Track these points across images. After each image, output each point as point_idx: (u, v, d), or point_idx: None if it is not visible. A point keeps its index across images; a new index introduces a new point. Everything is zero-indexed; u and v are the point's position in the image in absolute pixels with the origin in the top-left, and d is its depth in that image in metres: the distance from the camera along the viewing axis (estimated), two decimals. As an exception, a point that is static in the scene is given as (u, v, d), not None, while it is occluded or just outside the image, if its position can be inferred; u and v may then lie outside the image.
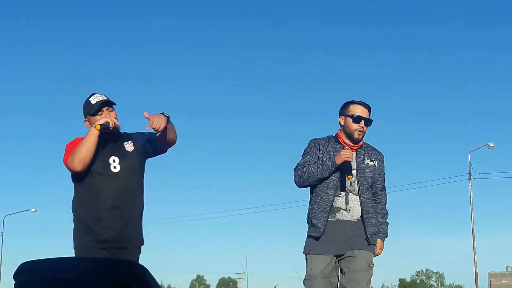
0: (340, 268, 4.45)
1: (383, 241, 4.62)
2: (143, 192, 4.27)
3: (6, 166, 58.03)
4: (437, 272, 75.33)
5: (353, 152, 4.50)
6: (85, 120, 4.16)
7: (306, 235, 4.57)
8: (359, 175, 4.48)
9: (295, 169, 4.57)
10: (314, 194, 4.52)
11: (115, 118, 4.08)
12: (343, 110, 4.56)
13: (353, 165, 4.47)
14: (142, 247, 4.25)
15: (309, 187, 4.59)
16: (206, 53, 60.39)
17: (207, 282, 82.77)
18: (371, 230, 4.47)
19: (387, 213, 4.71)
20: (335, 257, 4.43)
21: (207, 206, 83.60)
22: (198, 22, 60.35)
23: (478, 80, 54.37)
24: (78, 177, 4.10)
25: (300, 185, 4.55)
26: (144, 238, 4.26)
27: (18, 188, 65.27)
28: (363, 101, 4.56)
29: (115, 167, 4.11)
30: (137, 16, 61.14)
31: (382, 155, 4.67)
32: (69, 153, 4.04)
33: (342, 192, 4.45)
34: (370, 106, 4.53)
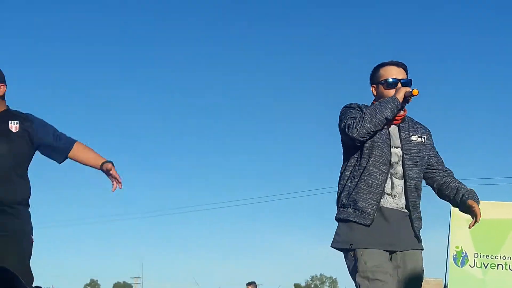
0: None
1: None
2: (26, 178, 3.92)
3: None
4: (331, 277, 77.51)
5: (394, 126, 3.67)
6: None
7: (340, 223, 3.64)
8: (405, 156, 3.60)
9: (344, 129, 3.54)
10: (358, 168, 3.60)
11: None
12: (373, 77, 3.73)
13: (397, 142, 3.64)
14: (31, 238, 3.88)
15: (347, 162, 3.68)
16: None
17: (101, 287, 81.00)
18: (418, 226, 3.65)
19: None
20: (388, 253, 3.55)
21: (98, 209, 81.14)
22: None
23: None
24: None
25: (370, 126, 3.46)
26: (28, 228, 3.88)
27: None
28: (394, 59, 3.70)
29: None
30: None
31: (429, 130, 3.82)
32: None
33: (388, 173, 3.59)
34: (405, 64, 3.68)
